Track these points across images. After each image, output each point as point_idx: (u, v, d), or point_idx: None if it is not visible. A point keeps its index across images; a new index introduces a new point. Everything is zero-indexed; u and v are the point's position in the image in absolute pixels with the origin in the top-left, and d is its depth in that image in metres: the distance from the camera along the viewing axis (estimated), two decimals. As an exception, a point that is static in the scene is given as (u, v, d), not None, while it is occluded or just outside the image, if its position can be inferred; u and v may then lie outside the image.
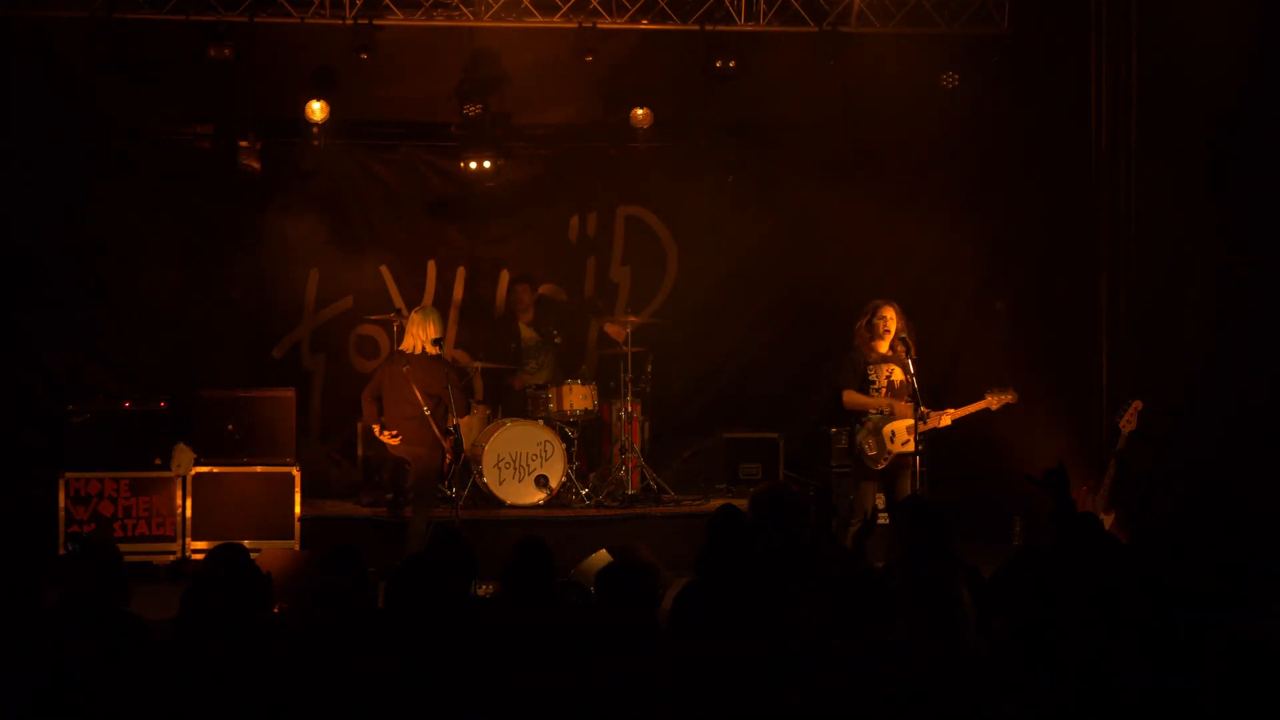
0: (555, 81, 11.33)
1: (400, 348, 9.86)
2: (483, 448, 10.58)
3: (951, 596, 4.78)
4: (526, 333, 11.49)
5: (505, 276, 12.02)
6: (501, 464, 10.58)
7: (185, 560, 9.92)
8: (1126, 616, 4.72)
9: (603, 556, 7.65)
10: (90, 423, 10.13)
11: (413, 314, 9.96)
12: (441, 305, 11.80)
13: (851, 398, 9.15)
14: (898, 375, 9.11)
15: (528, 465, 10.60)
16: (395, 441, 9.77)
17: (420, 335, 9.70)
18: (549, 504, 10.58)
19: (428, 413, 9.56)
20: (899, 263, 11.75)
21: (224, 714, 4.50)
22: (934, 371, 11.03)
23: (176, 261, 11.26)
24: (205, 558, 5.19)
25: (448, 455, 9.81)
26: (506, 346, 11.49)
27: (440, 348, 9.89)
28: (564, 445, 10.65)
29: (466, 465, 10.56)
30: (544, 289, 11.90)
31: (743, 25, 10.85)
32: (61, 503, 9.86)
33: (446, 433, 9.71)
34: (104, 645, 4.74)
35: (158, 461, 10.07)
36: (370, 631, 4.92)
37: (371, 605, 5.31)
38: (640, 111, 11.32)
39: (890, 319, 9.13)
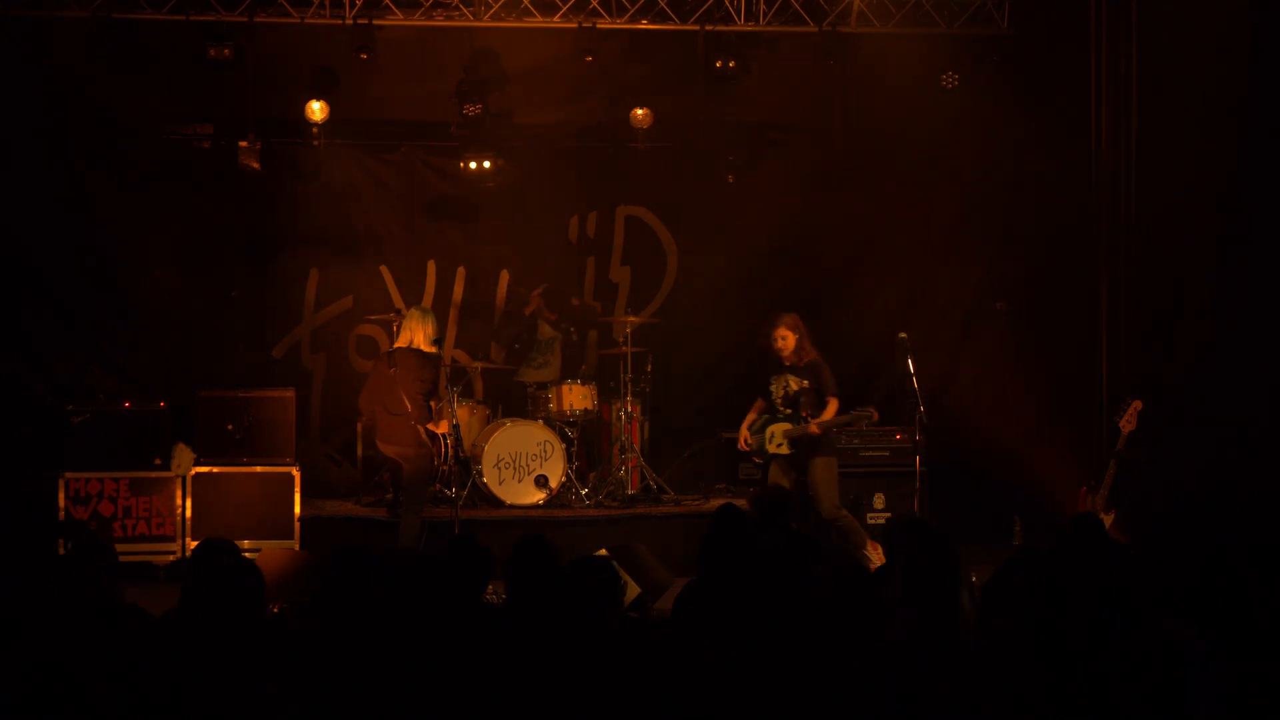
0: (555, 81, 11.33)
1: (395, 345, 9.82)
2: (483, 448, 10.58)
3: (952, 598, 4.78)
4: (545, 330, 11.49)
5: (505, 276, 12.03)
6: (501, 464, 10.58)
7: (185, 560, 9.91)
8: (1126, 617, 4.72)
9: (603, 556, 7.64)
10: (90, 423, 10.12)
11: (411, 310, 9.94)
12: (441, 305, 11.82)
13: (756, 404, 9.72)
14: (794, 384, 9.41)
15: (528, 465, 10.60)
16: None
17: (416, 330, 9.65)
18: (549, 504, 10.57)
19: (412, 413, 9.53)
20: (899, 263, 11.77)
21: (221, 712, 4.50)
22: (935, 371, 11.06)
23: (176, 261, 11.26)
24: (191, 555, 5.20)
25: (436, 457, 9.78)
26: (512, 347, 11.51)
27: (438, 348, 9.88)
28: (564, 445, 10.64)
29: (466, 465, 10.56)
30: (546, 287, 11.88)
31: (743, 25, 10.86)
32: (61, 503, 9.86)
33: (433, 435, 9.67)
34: (106, 638, 4.74)
35: (158, 461, 10.07)
36: (376, 631, 4.91)
37: (380, 606, 5.29)
38: (640, 111, 11.32)
39: (785, 336, 9.42)
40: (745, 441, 9.58)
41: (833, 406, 9.29)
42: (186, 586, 5.03)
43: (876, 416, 9.37)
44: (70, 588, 5.09)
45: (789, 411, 9.40)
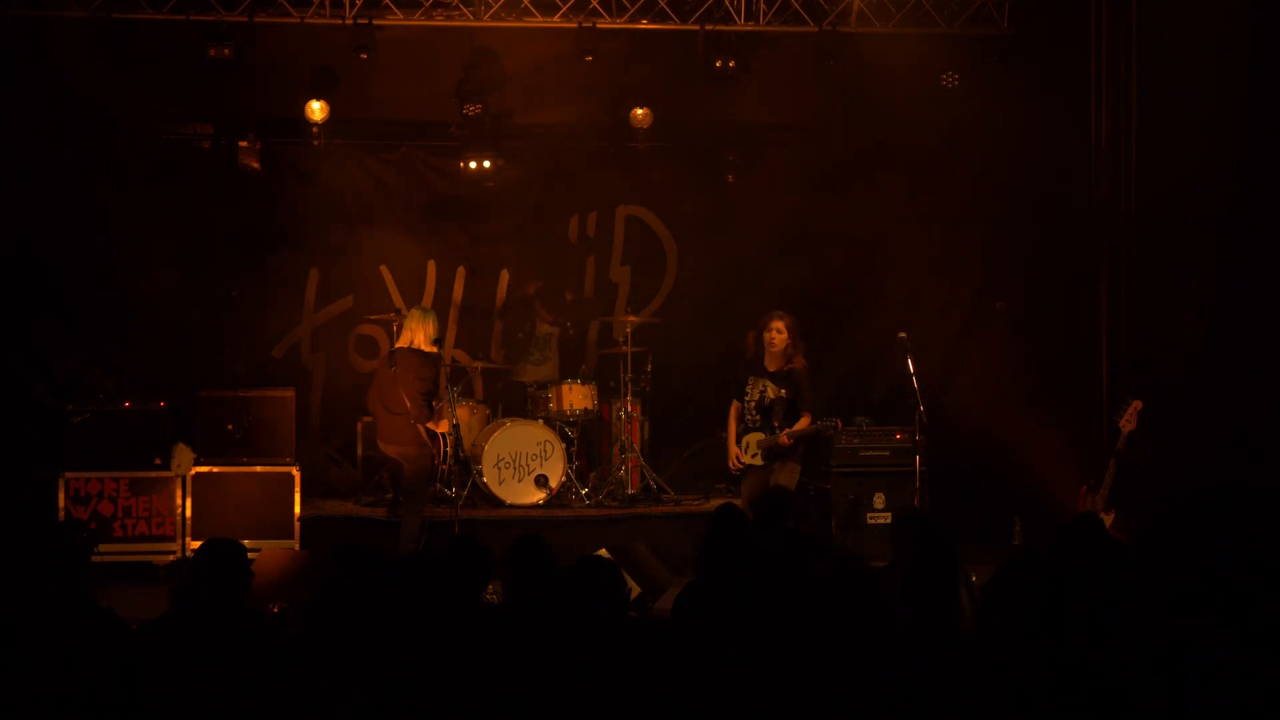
0: (555, 81, 11.33)
1: (396, 346, 9.81)
2: (483, 448, 10.58)
3: (952, 597, 4.78)
4: (543, 328, 11.50)
5: (505, 276, 12.03)
6: (501, 464, 10.58)
7: (185, 560, 9.92)
8: (1126, 617, 4.72)
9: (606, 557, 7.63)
10: (90, 423, 10.12)
11: (412, 310, 9.94)
12: (441, 305, 11.82)
13: (733, 411, 9.31)
14: (770, 392, 9.13)
15: (528, 465, 10.60)
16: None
17: (418, 330, 9.66)
18: (549, 504, 10.58)
19: (413, 413, 9.52)
20: (899, 263, 11.78)
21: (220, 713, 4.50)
22: (935, 371, 11.07)
23: (176, 261, 11.26)
24: (196, 554, 5.20)
25: (437, 457, 9.77)
26: (514, 336, 11.50)
27: (439, 347, 9.88)
28: (564, 445, 10.65)
29: (466, 465, 10.56)
30: (542, 284, 11.89)
31: (743, 25, 10.86)
32: (61, 503, 9.86)
33: (434, 434, 9.67)
34: (78, 641, 4.74)
35: (158, 461, 10.07)
36: (376, 631, 4.92)
37: (380, 606, 5.29)
38: (640, 111, 11.32)
39: (780, 330, 9.10)
40: (737, 460, 9.23)
41: (805, 420, 9.04)
42: (177, 586, 5.04)
43: (840, 425, 9.24)
44: (45, 589, 5.08)
45: (759, 418, 9.12)
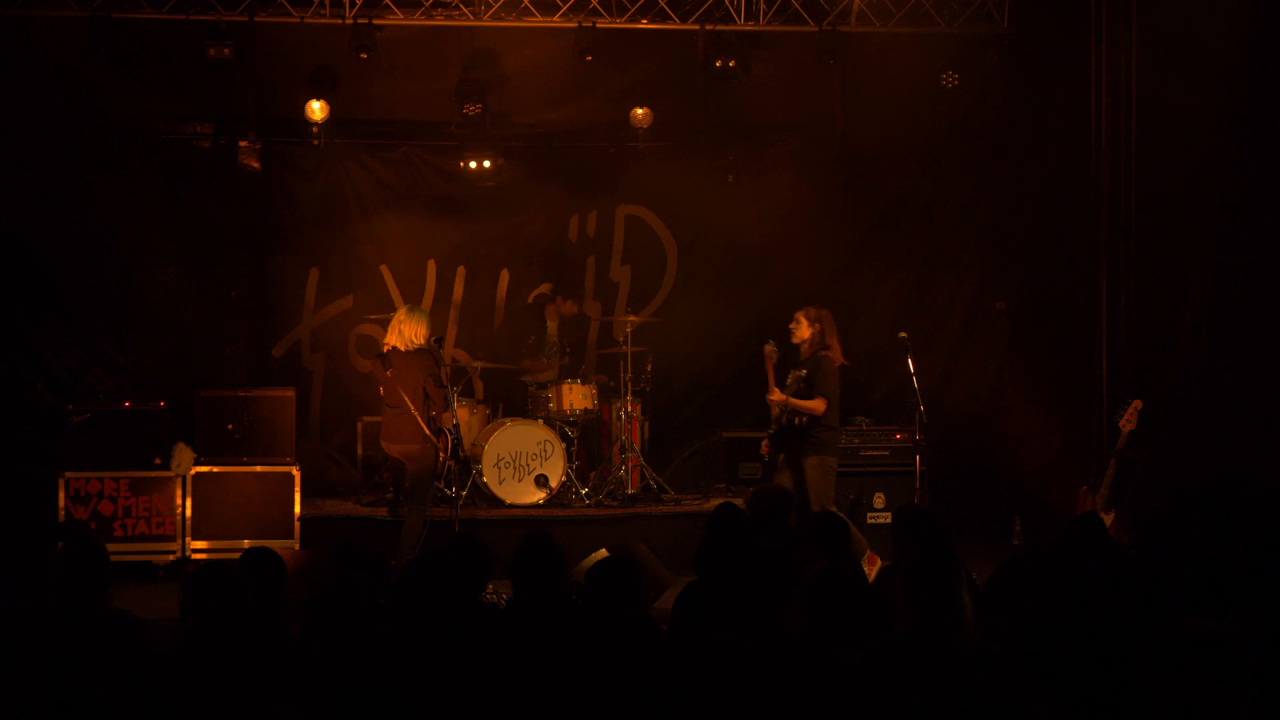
0: (555, 81, 11.34)
1: (389, 347, 9.74)
2: (483, 447, 10.58)
3: (952, 598, 4.78)
4: (551, 328, 11.51)
5: (505, 276, 12.03)
6: (501, 463, 10.58)
7: (185, 560, 9.92)
8: (1126, 616, 4.72)
9: (602, 556, 7.62)
10: (90, 422, 10.12)
11: (400, 310, 9.89)
12: (441, 305, 11.81)
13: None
14: (799, 382, 9.11)
15: (528, 465, 10.60)
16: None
17: (393, 330, 9.62)
18: (549, 503, 10.57)
19: (415, 410, 9.50)
20: (899, 263, 11.78)
21: (227, 711, 4.50)
22: (935, 371, 11.07)
23: (176, 261, 11.27)
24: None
25: (442, 454, 9.75)
26: (527, 338, 11.49)
27: (426, 343, 9.78)
28: (564, 445, 10.65)
29: (466, 465, 10.55)
30: (544, 288, 11.90)
31: (743, 25, 10.86)
32: (61, 503, 9.85)
33: (439, 431, 9.65)
34: (96, 643, 4.73)
35: (158, 461, 10.07)
36: (376, 631, 4.91)
37: (381, 605, 5.29)
38: (640, 111, 11.32)
39: (799, 320, 9.17)
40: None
41: (816, 404, 8.97)
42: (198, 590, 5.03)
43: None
44: (61, 590, 5.08)
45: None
